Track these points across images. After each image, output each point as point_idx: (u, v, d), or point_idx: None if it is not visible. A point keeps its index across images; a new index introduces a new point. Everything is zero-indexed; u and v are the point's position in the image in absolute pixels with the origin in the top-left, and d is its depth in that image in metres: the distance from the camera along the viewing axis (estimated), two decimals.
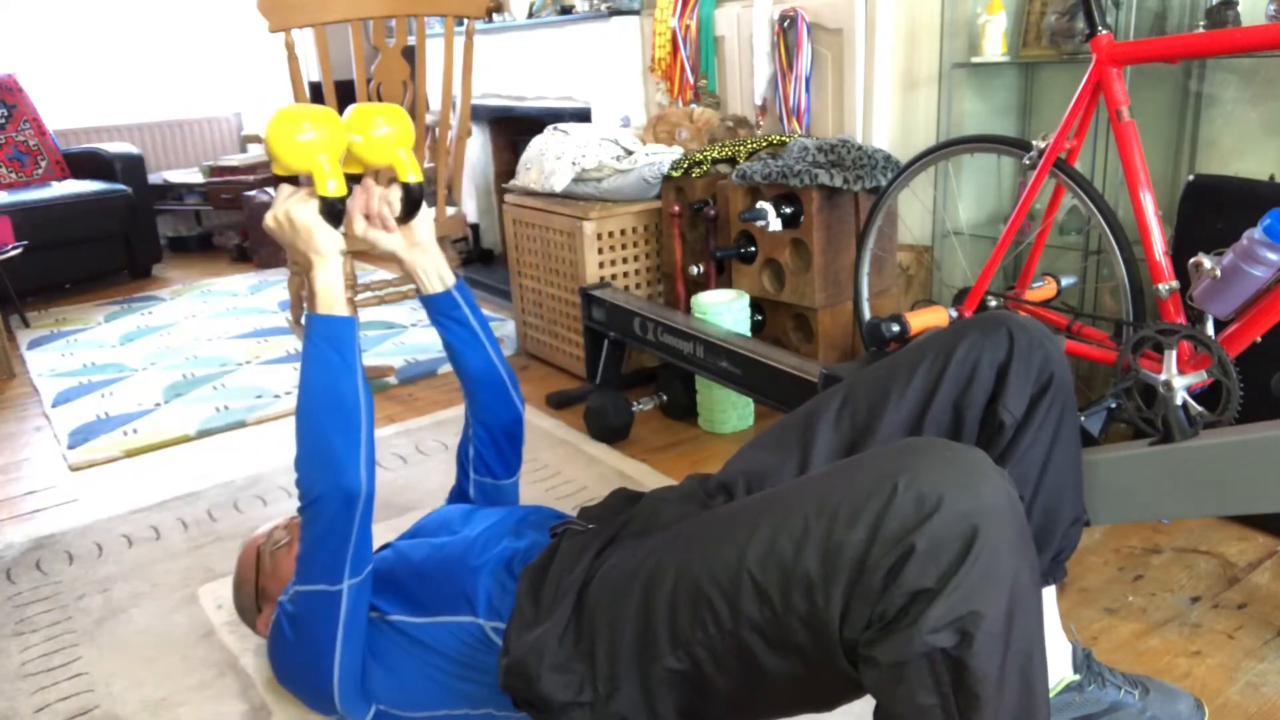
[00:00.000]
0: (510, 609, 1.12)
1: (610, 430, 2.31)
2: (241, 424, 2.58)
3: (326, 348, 1.14)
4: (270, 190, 4.48)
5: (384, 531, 1.93)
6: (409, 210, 1.28)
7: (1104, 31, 1.66)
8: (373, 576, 1.27)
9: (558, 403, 2.57)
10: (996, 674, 0.79)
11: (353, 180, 1.24)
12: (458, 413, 2.56)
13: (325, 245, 1.15)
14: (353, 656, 1.16)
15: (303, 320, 3.29)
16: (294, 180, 1.17)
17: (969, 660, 0.78)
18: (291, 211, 1.14)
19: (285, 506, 2.08)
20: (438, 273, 1.37)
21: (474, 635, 1.15)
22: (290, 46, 2.50)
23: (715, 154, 2.53)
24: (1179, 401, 1.53)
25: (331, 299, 1.16)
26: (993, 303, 1.89)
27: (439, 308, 1.39)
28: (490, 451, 1.47)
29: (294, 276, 3.21)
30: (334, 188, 1.14)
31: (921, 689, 0.80)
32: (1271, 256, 1.38)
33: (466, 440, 1.49)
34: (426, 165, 2.84)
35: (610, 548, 1.12)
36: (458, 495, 1.52)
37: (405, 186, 1.26)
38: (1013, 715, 0.80)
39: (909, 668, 0.79)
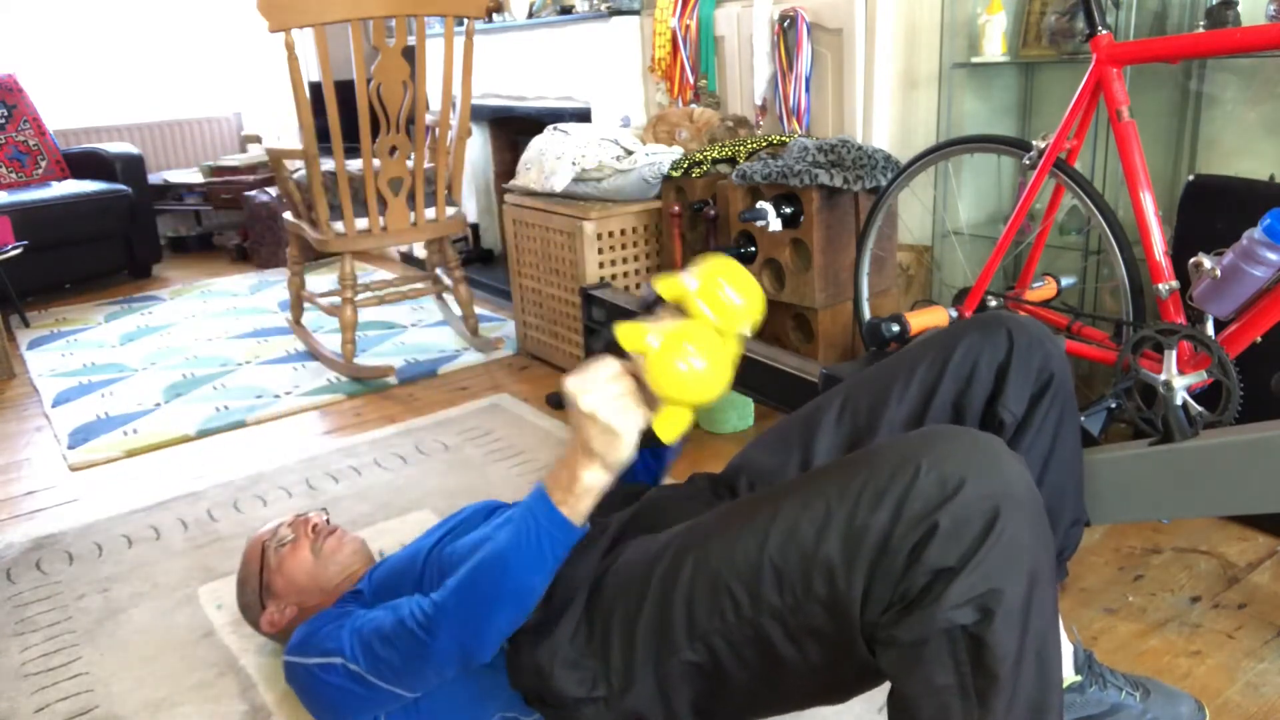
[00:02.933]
0: None
1: None
2: (241, 424, 2.58)
3: (548, 546, 1.01)
4: (270, 191, 4.47)
5: (384, 531, 1.93)
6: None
7: (1104, 31, 1.66)
8: (388, 578, 1.28)
9: (558, 403, 2.57)
10: (1015, 653, 0.80)
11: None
12: (458, 413, 2.56)
13: (621, 461, 0.98)
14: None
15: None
16: (627, 356, 0.95)
17: (989, 637, 0.79)
18: (619, 416, 0.94)
19: (285, 506, 2.08)
20: None
21: None
22: (290, 46, 2.50)
23: (715, 154, 2.53)
24: (1179, 401, 1.53)
25: (585, 507, 1.01)
26: (993, 303, 1.89)
27: (663, 456, 1.39)
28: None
29: (294, 277, 3.21)
30: (667, 437, 0.94)
31: (940, 668, 0.81)
32: (1271, 256, 1.38)
33: None
34: (426, 165, 2.84)
35: (620, 544, 1.12)
36: None
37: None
38: (1028, 697, 0.81)
39: (929, 646, 0.80)
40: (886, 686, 0.89)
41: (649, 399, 0.94)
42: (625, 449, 0.95)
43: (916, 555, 0.80)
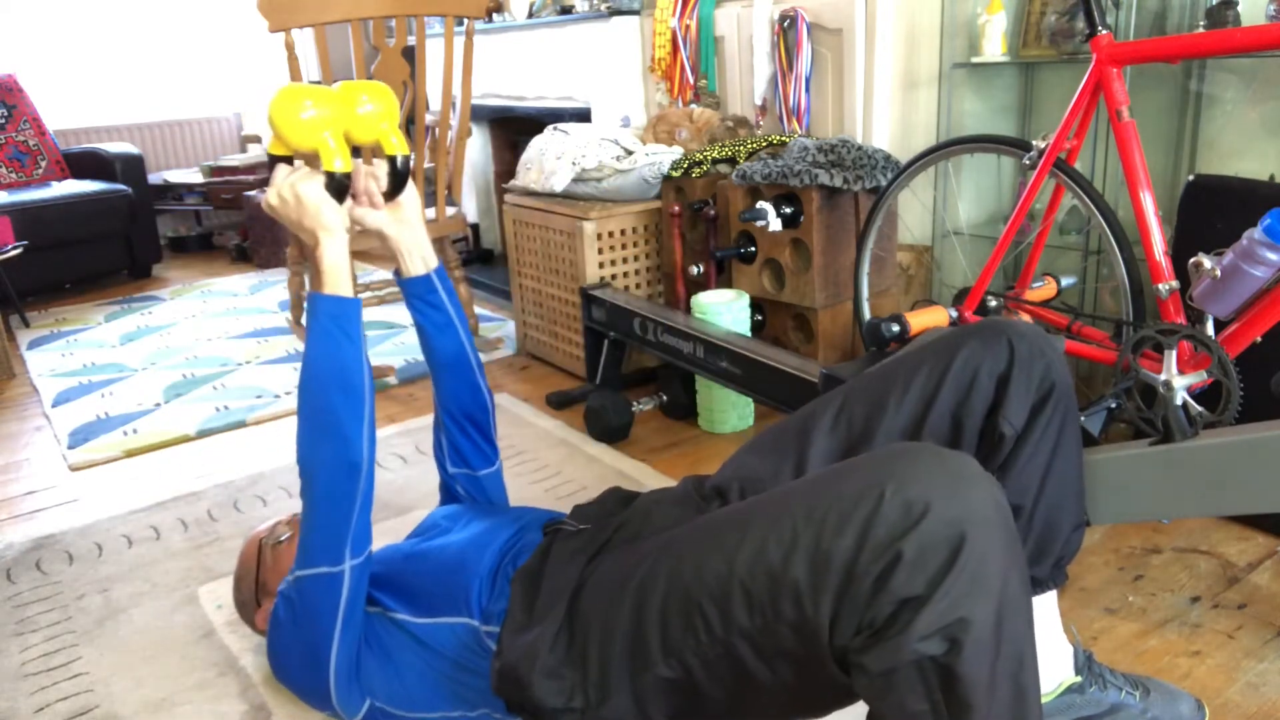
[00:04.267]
0: (503, 613, 1.12)
1: (610, 430, 2.31)
2: (241, 424, 2.58)
3: (333, 326, 1.13)
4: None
5: (384, 532, 1.93)
6: (396, 186, 1.27)
7: (1104, 31, 1.66)
8: (376, 575, 1.27)
9: (558, 403, 2.57)
10: (987, 680, 0.79)
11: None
12: None
13: (333, 221, 1.16)
14: (350, 644, 1.16)
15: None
16: (289, 160, 1.18)
17: (958, 667, 0.78)
18: (298, 188, 1.14)
19: (285, 506, 2.08)
20: (421, 254, 1.34)
21: (469, 637, 1.15)
22: (290, 46, 2.50)
23: (715, 154, 2.53)
24: (1179, 401, 1.53)
25: (339, 277, 1.16)
26: (993, 303, 1.89)
27: (416, 290, 1.36)
28: (462, 442, 1.45)
29: (294, 276, 3.21)
30: (340, 165, 1.15)
31: (912, 696, 0.80)
32: (1271, 256, 1.38)
33: (438, 433, 1.47)
34: (426, 165, 2.84)
35: (603, 553, 1.12)
36: (447, 494, 1.52)
37: (392, 161, 1.25)
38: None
39: (898, 675, 0.79)
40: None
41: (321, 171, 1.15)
42: (318, 209, 1.14)
43: (882, 584, 0.79)
